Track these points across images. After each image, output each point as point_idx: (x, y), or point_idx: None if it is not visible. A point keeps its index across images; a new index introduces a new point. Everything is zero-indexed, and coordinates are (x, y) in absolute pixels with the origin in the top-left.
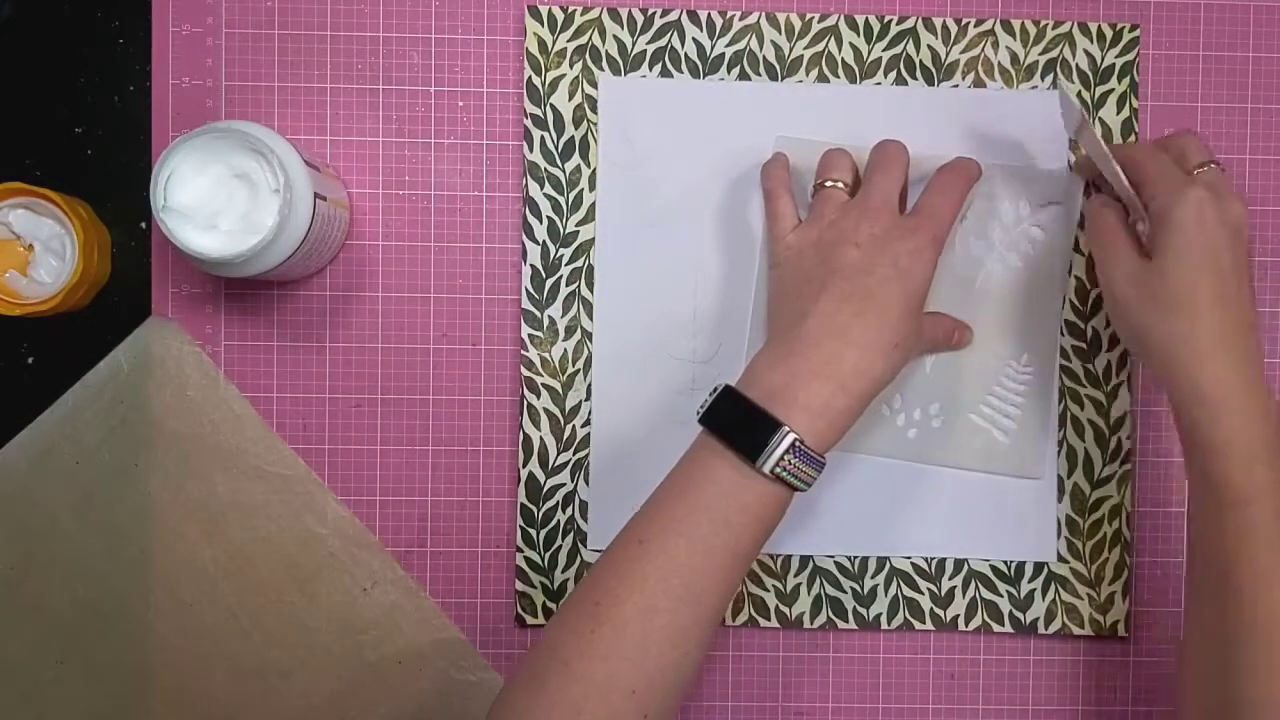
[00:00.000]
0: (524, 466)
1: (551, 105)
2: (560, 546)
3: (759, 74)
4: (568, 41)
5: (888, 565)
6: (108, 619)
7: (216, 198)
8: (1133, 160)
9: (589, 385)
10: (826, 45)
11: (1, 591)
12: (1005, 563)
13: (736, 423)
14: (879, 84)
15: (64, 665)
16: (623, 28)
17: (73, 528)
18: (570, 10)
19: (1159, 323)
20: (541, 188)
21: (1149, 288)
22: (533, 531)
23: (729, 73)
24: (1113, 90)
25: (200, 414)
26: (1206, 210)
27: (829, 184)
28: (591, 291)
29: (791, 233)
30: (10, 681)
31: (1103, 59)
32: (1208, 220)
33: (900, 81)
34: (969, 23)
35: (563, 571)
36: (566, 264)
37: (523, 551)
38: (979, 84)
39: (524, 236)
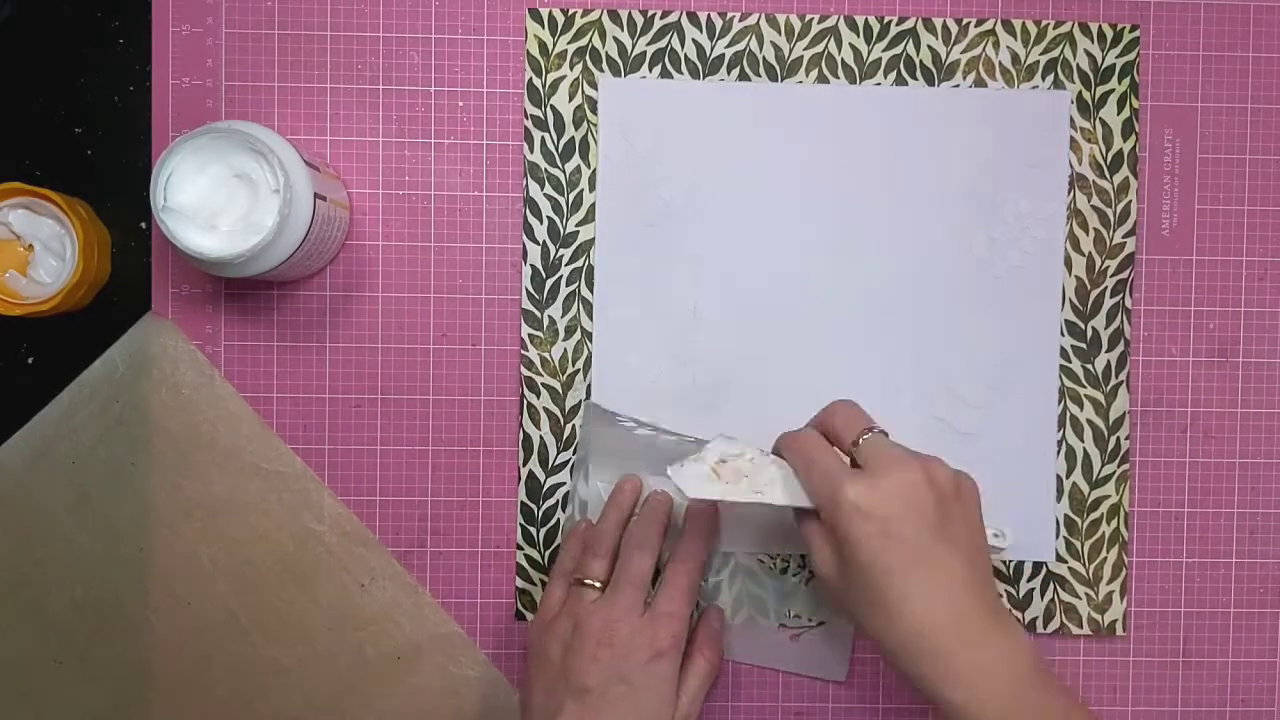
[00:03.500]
0: (524, 466)
1: (552, 106)
2: (560, 545)
3: (759, 75)
4: (568, 43)
5: None
6: (106, 618)
7: (216, 198)
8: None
9: (589, 385)
10: (826, 46)
11: None
12: (1004, 562)
13: None
14: (879, 84)
15: (62, 665)
16: (623, 29)
17: (70, 527)
18: (570, 12)
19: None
20: (542, 188)
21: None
22: (533, 530)
23: (729, 74)
24: (1113, 90)
25: (196, 412)
26: (860, 510)
27: (585, 582)
28: (591, 291)
29: (542, 622)
30: (8, 681)
31: (1103, 59)
32: (863, 519)
33: (900, 82)
34: (969, 23)
35: None
36: (566, 264)
37: (523, 549)
38: (980, 84)
39: (524, 237)
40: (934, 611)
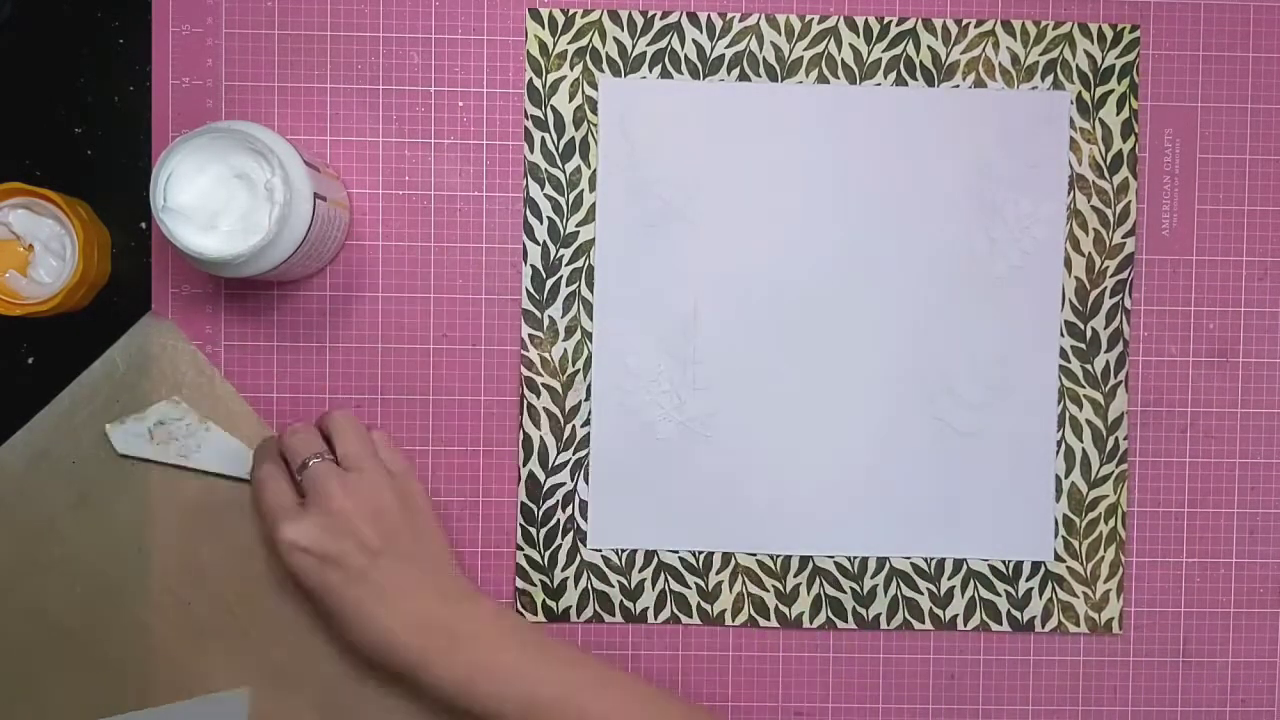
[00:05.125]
0: (524, 466)
1: (552, 106)
2: (560, 545)
3: (759, 75)
4: (568, 43)
5: (887, 565)
6: (105, 618)
7: (216, 198)
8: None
9: (589, 385)
10: (826, 46)
11: None
12: (1004, 562)
13: None
14: (879, 85)
15: (62, 664)
16: (623, 29)
17: (70, 528)
18: (571, 12)
19: None
20: (542, 188)
21: None
22: (533, 530)
23: (729, 74)
24: (1113, 91)
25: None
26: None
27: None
28: (591, 291)
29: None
30: (9, 680)
31: (1103, 59)
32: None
33: (900, 82)
34: (969, 23)
35: (562, 570)
36: (567, 264)
37: (523, 550)
38: (980, 84)
39: (524, 236)
40: (389, 618)
